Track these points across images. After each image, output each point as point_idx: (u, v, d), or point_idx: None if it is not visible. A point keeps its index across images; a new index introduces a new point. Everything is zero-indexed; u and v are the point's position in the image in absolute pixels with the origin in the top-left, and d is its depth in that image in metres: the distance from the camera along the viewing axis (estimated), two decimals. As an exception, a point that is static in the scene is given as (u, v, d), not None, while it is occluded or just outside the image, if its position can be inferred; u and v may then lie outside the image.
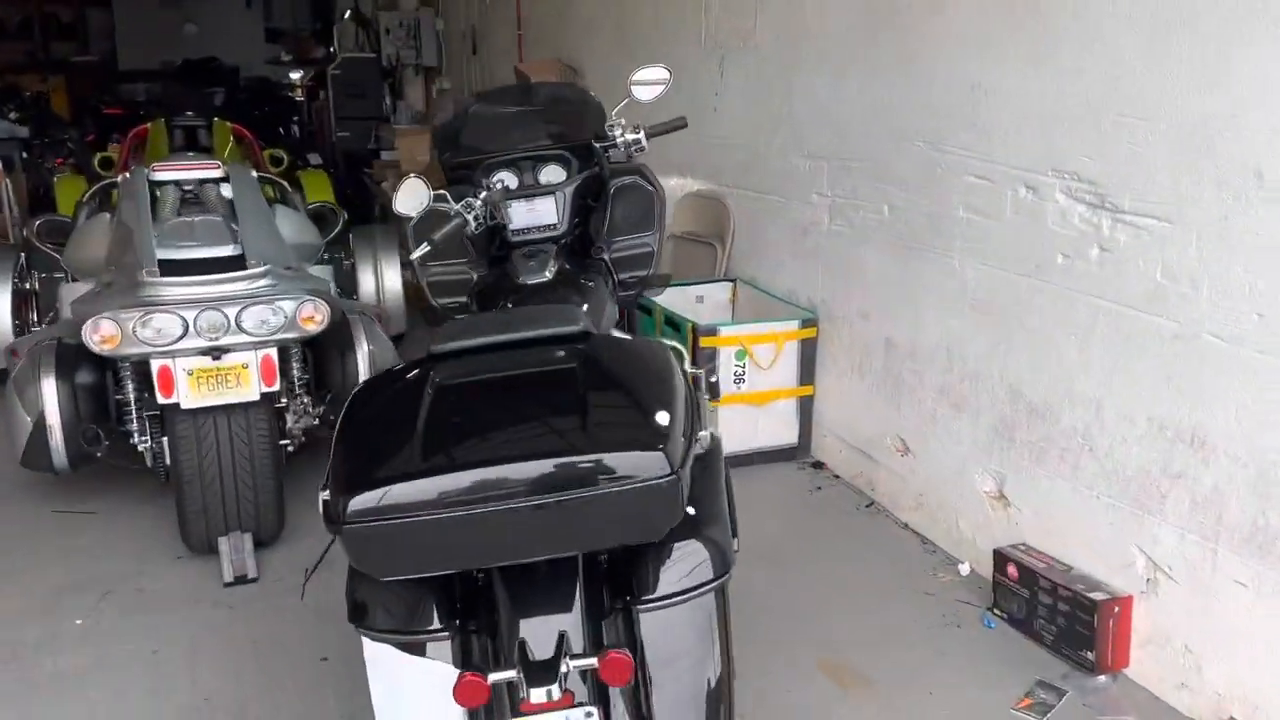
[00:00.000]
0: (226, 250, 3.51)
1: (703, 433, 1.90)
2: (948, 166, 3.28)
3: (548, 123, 3.38)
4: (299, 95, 12.14)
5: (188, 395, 3.01)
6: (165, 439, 3.16)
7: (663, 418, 1.74)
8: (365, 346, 3.68)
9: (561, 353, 1.95)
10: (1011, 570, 2.99)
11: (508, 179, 3.30)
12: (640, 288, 3.31)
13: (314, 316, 3.13)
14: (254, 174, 4.14)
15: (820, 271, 4.05)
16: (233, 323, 2.99)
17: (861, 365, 3.83)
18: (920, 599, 3.19)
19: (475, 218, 3.02)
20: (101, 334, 2.92)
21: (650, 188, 3.29)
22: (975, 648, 2.94)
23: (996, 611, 3.04)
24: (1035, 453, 3.04)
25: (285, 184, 4.48)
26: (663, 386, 1.88)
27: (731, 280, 4.60)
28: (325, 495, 1.74)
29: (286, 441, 3.38)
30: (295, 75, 11.21)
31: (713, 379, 3.43)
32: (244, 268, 3.39)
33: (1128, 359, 2.70)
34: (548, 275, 2.97)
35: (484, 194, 3.05)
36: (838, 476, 4.03)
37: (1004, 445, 3.15)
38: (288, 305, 3.07)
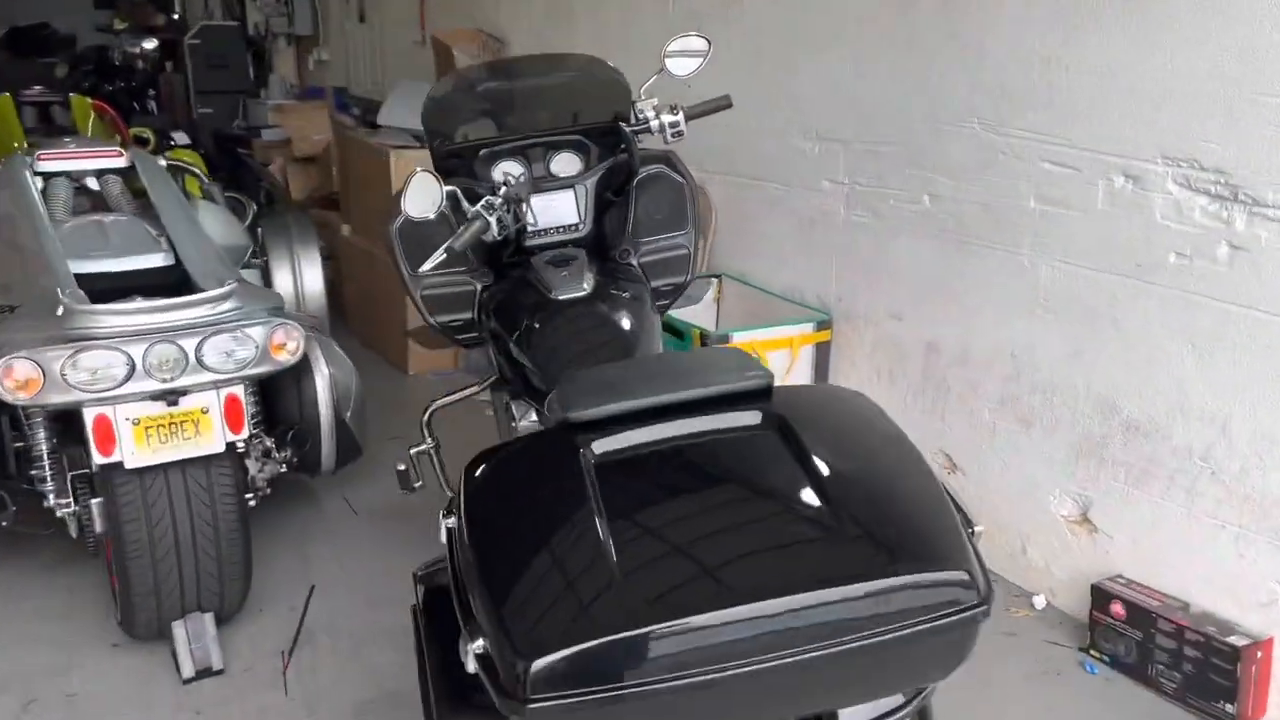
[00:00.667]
0: (155, 259, 2.86)
1: (978, 527, 1.45)
2: (1013, 152, 2.90)
3: (563, 101, 2.85)
4: (145, 66, 10.99)
5: (134, 452, 2.37)
6: (97, 502, 2.51)
7: (944, 516, 1.29)
8: (324, 369, 3.08)
9: (750, 416, 1.46)
10: (1117, 608, 2.65)
11: (514, 170, 2.76)
12: (675, 297, 2.83)
13: (287, 344, 2.53)
14: (162, 161, 3.45)
15: (834, 267, 3.63)
16: (191, 357, 2.36)
17: (892, 371, 3.44)
18: (1002, 641, 2.83)
19: (499, 219, 2.48)
20: (15, 378, 2.25)
21: (679, 178, 2.81)
22: (1085, 700, 2.60)
23: (1096, 654, 2.71)
24: (1134, 474, 2.70)
25: (200, 171, 3.77)
26: (905, 459, 1.42)
27: (715, 276, 4.14)
28: (477, 648, 1.22)
29: (250, 495, 2.76)
30: (149, 45, 10.09)
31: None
32: (184, 282, 2.75)
33: (1266, 371, 2.38)
34: (585, 288, 2.46)
35: (504, 189, 2.51)
36: (859, 493, 3.64)
37: (1090, 465, 2.81)
38: (257, 332, 2.46)
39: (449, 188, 2.41)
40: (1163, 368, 2.60)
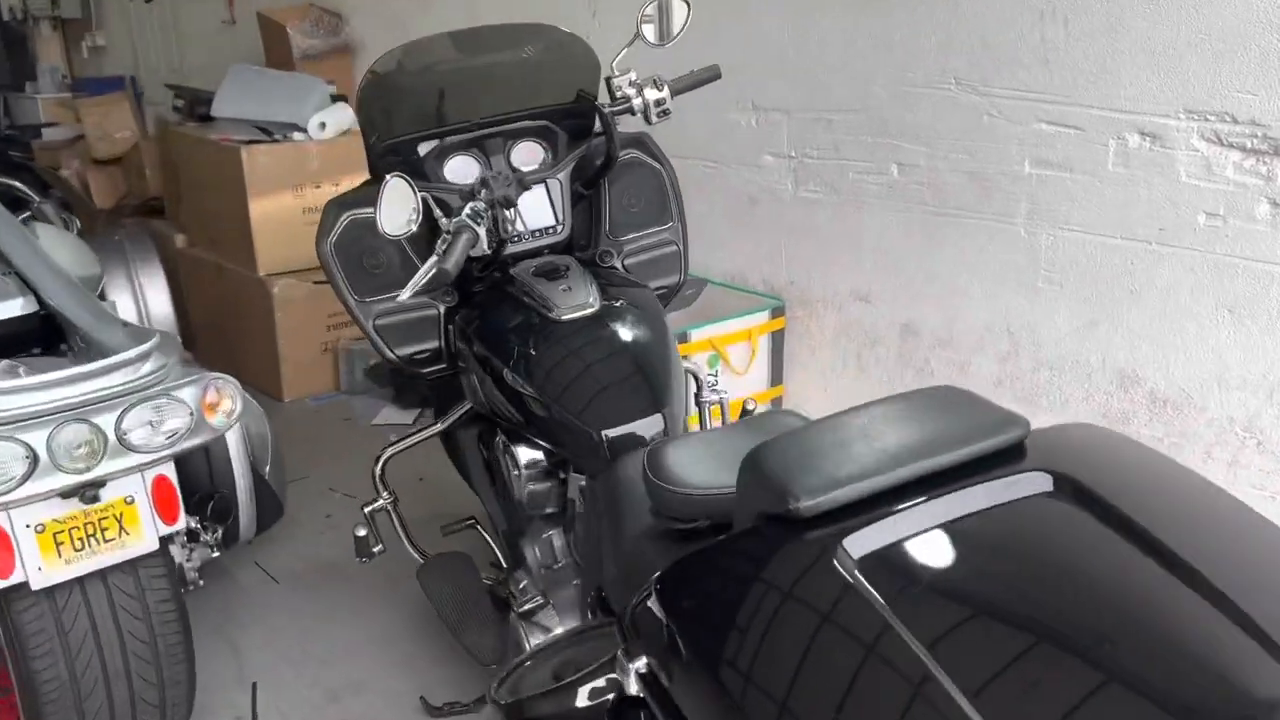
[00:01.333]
0: (12, 307, 2.25)
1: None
2: (1001, 113, 2.68)
3: (523, 80, 2.42)
4: None
5: (41, 568, 1.81)
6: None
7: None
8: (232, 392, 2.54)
9: (1030, 481, 1.12)
10: (1162, 592, 2.50)
11: (468, 166, 2.32)
12: (668, 301, 2.46)
13: (221, 403, 2.01)
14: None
15: (784, 248, 3.35)
16: (111, 437, 1.81)
17: (861, 357, 3.20)
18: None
19: (487, 230, 2.05)
20: None
21: (655, 163, 2.44)
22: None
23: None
24: (1165, 449, 2.55)
25: (22, 187, 3.09)
26: (1244, 515, 1.12)
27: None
28: None
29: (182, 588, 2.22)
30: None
31: (750, 407, 2.65)
32: (49, 333, 2.17)
33: (1317, 334, 2.27)
34: (592, 304, 2.07)
35: (485, 191, 2.08)
36: (827, 488, 3.39)
37: (1110, 442, 2.65)
38: (188, 394, 1.92)
39: (423, 194, 1.97)
40: (1194, 337, 2.45)
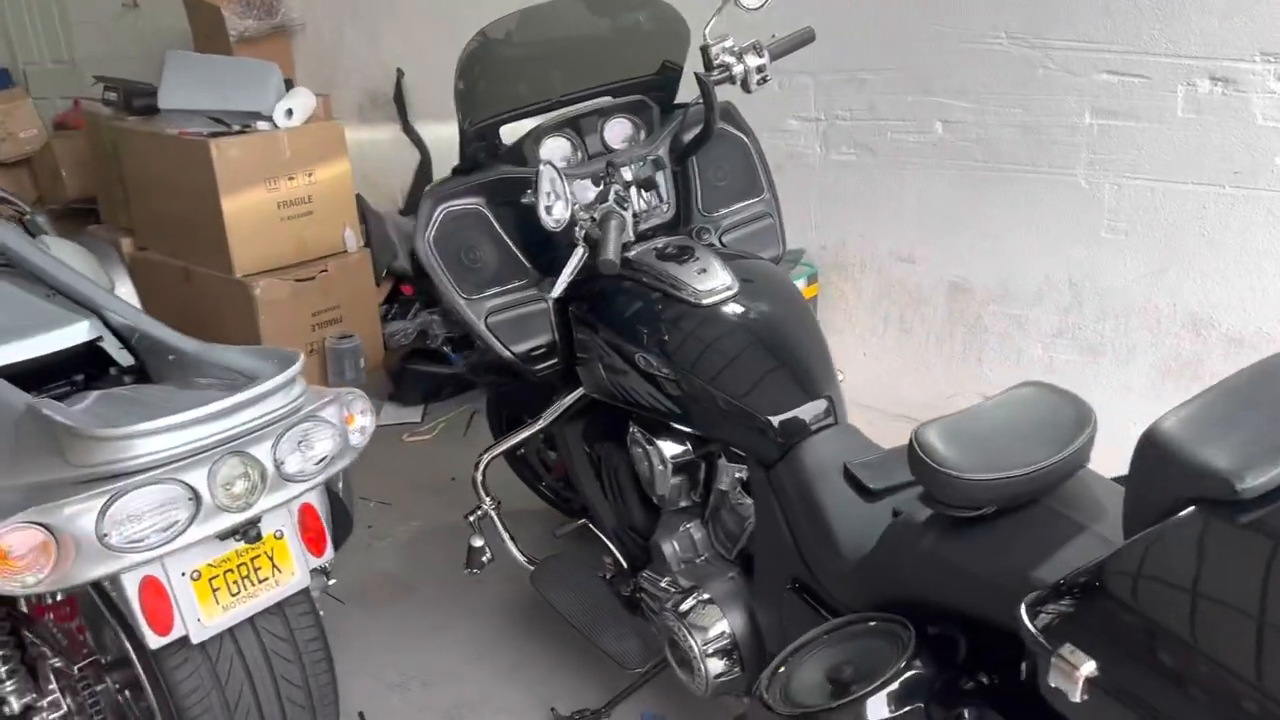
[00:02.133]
0: (78, 332, 2.02)
1: None
2: (1058, 65, 2.68)
3: (614, 54, 2.29)
4: None
5: (200, 619, 1.62)
6: (129, 694, 1.73)
7: None
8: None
9: None
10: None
11: (558, 146, 2.19)
12: (771, 273, 2.37)
13: (359, 419, 1.84)
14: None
15: (814, 213, 3.29)
16: (270, 469, 1.63)
17: (904, 318, 3.18)
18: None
19: (634, 213, 1.94)
20: (16, 555, 1.44)
21: (740, 134, 2.35)
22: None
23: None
24: (1240, 387, 2.62)
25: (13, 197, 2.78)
26: None
27: (646, 240, 3.67)
28: None
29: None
30: None
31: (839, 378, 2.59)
32: (95, 357, 1.97)
33: (1401, 265, 2.35)
34: (733, 286, 1.97)
35: (617, 174, 1.96)
36: (870, 452, 3.38)
37: (1182, 383, 2.70)
38: (332, 413, 1.75)
39: (553, 174, 1.83)
40: (1272, 276, 2.50)
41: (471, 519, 2.28)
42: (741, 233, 2.31)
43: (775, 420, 1.83)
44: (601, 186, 1.95)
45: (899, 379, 3.24)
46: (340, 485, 2.50)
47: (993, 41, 2.77)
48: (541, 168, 1.77)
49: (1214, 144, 2.50)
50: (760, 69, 2.15)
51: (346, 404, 1.79)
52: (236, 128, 3.88)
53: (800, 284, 3.23)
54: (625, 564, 2.27)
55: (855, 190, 3.17)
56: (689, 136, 2.20)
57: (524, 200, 1.94)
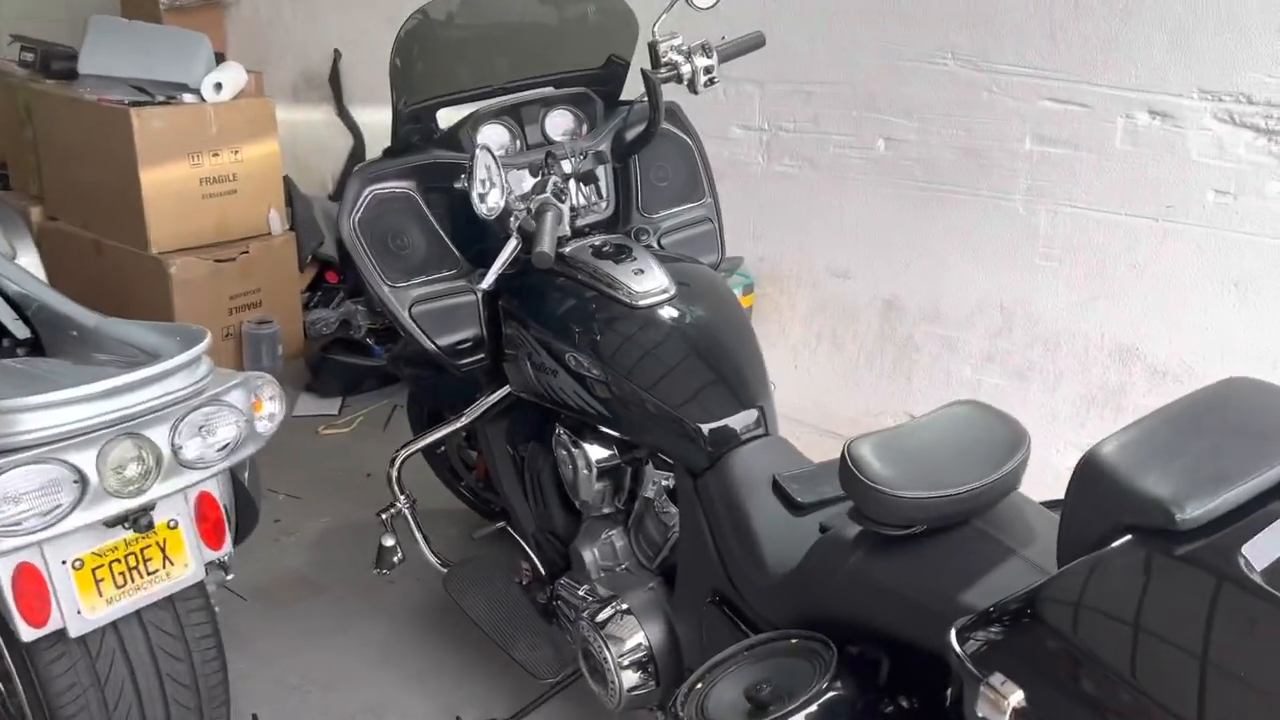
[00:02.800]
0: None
1: None
2: (1002, 89, 2.68)
3: (557, 41, 2.22)
4: None
5: (80, 610, 1.51)
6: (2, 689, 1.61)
7: None
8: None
9: None
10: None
11: (496, 134, 2.13)
12: (708, 278, 2.33)
13: (267, 405, 1.75)
14: None
15: (752, 223, 3.26)
16: (167, 453, 1.53)
17: (837, 334, 3.16)
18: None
19: (572, 207, 1.88)
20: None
21: (685, 136, 2.31)
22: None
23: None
24: (1162, 419, 2.64)
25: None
26: None
27: (581, 240, 3.61)
28: None
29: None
30: None
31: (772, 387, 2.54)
32: (33, 340, 1.84)
33: (1324, 307, 2.38)
34: (668, 286, 1.92)
35: (556, 166, 1.90)
36: (796, 467, 3.35)
37: (1106, 414, 2.72)
38: (238, 397, 1.65)
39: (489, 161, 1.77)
40: (1198, 311, 2.53)
41: (384, 517, 2.19)
42: (680, 236, 2.27)
43: (705, 428, 1.78)
44: (539, 177, 1.88)
45: (828, 394, 3.22)
46: (246, 475, 2.39)
47: (940, 62, 2.77)
48: (478, 153, 1.70)
49: (1149, 177, 2.52)
50: (708, 70, 2.10)
51: (254, 389, 1.70)
52: (161, 98, 3.73)
53: (736, 294, 3.19)
54: (543, 570, 2.20)
55: (795, 203, 3.14)
56: (632, 134, 2.15)
57: (457, 186, 1.87)
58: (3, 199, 4.25)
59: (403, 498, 2.20)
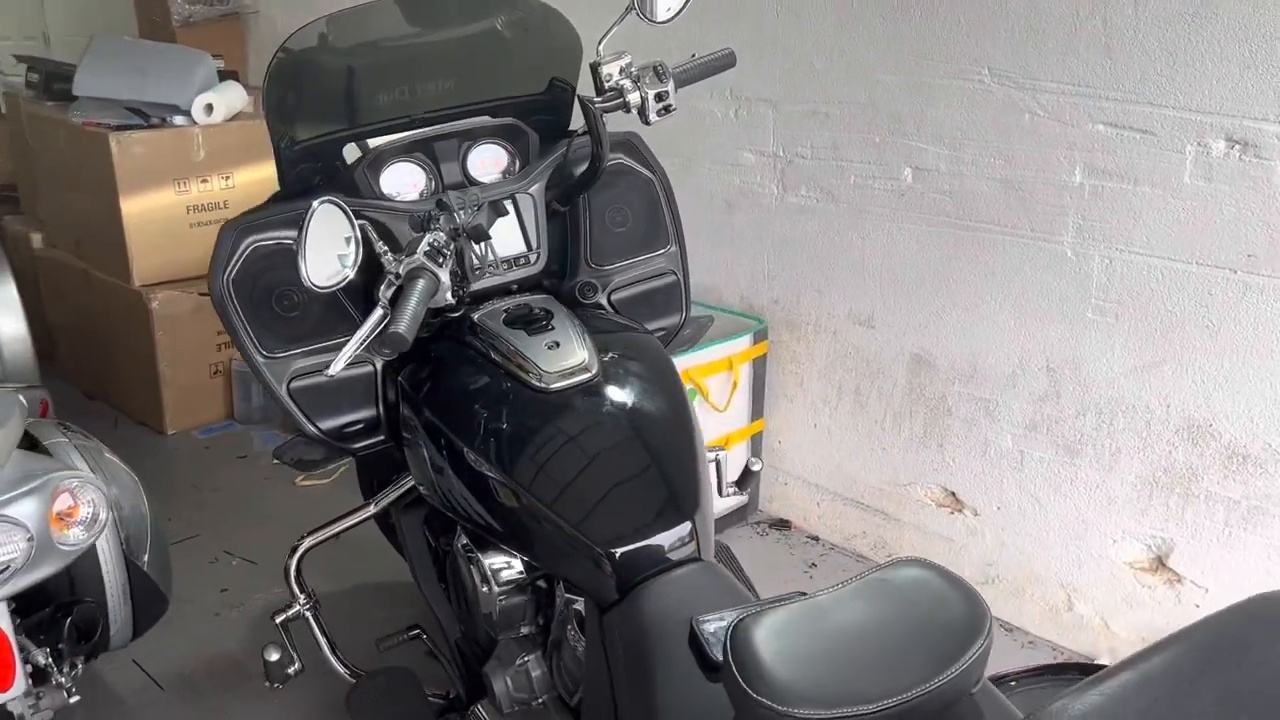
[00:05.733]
0: None
1: None
2: (1048, 111, 2.25)
3: (481, 63, 1.88)
4: None
5: None
6: None
7: None
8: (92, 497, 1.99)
9: None
10: (1243, 683, 2.12)
11: (408, 175, 1.79)
12: (668, 343, 1.97)
13: (77, 512, 1.44)
14: None
15: (766, 261, 2.87)
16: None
17: (860, 390, 2.75)
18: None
19: (451, 271, 1.53)
20: None
21: (645, 171, 1.94)
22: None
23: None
24: (1241, 513, 2.17)
25: None
26: None
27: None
28: None
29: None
30: None
31: (755, 468, 2.17)
32: None
33: None
34: (590, 367, 1.56)
35: (445, 218, 1.55)
36: (816, 538, 2.95)
37: (1172, 501, 2.25)
38: (28, 509, 1.35)
39: (361, 222, 1.45)
40: (1287, 383, 2.06)
41: (278, 620, 1.88)
42: (635, 291, 1.90)
43: (616, 552, 1.42)
44: (420, 233, 1.53)
45: (851, 458, 2.81)
46: (146, 558, 2.12)
47: (974, 78, 2.34)
48: (315, 204, 1.37)
49: (1226, 218, 2.06)
50: (662, 96, 1.73)
51: (56, 495, 1.39)
52: (154, 121, 3.52)
53: (744, 342, 2.81)
54: (462, 690, 1.86)
55: (813, 239, 2.74)
56: (580, 171, 1.79)
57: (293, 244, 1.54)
58: (9, 225, 4.12)
59: (303, 597, 1.89)
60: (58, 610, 1.86)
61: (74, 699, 1.70)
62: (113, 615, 2.03)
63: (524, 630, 1.69)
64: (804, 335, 2.83)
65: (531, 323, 1.62)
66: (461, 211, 1.56)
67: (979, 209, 2.40)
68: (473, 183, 1.80)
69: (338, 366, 1.43)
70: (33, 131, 3.79)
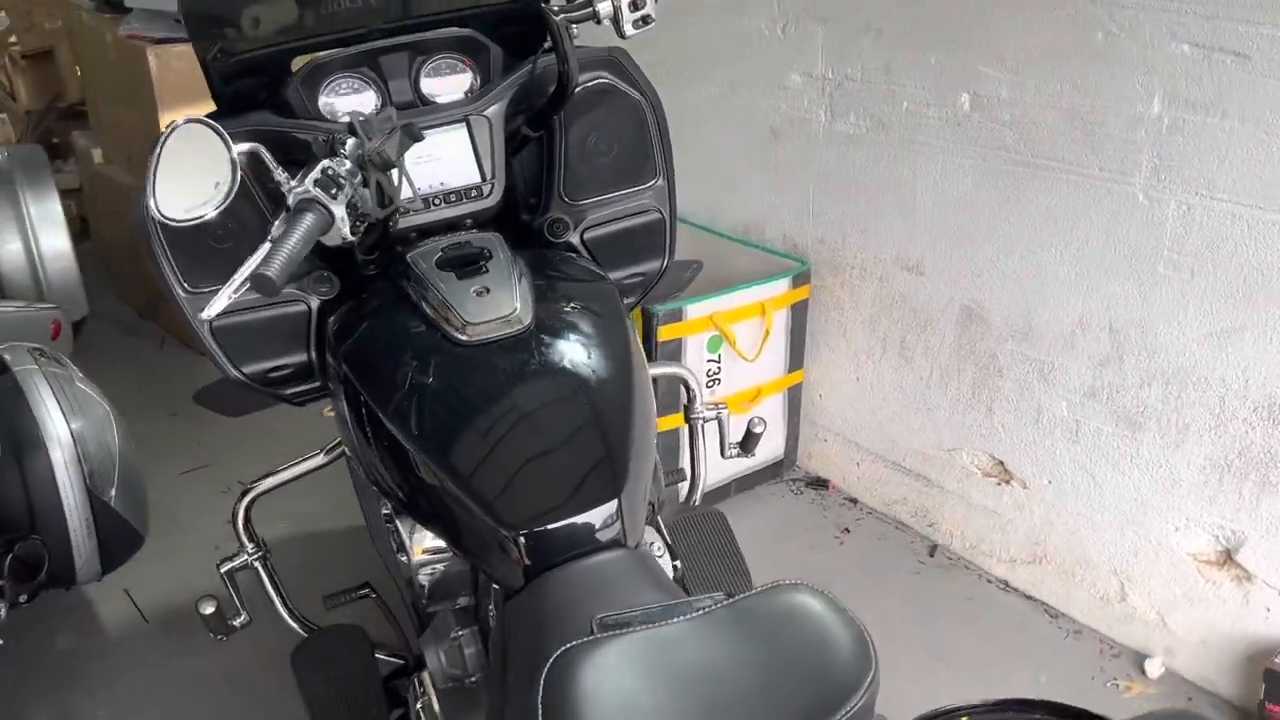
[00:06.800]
0: None
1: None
2: (1125, 27, 1.92)
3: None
4: None
5: None
6: None
7: None
8: (59, 430, 1.91)
9: None
10: (1311, 704, 1.84)
11: (364, 98, 1.61)
12: (645, 291, 1.76)
13: None
14: None
15: (811, 196, 2.61)
16: None
17: (906, 343, 2.49)
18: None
19: (352, 202, 1.34)
20: None
21: (634, 92, 1.70)
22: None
23: (1272, 762, 1.91)
24: (1327, 509, 1.86)
25: None
26: None
27: (628, 206, 3.05)
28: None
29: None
30: None
31: (757, 430, 1.96)
32: None
33: None
34: (522, 318, 1.37)
35: (355, 142, 1.36)
36: (854, 501, 2.72)
37: (1246, 489, 1.95)
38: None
39: (245, 148, 1.28)
40: (1391, 360, 1.73)
41: (224, 570, 1.77)
42: (613, 229, 1.68)
43: (523, 535, 1.24)
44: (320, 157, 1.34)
45: (895, 418, 2.56)
46: (113, 494, 2.04)
47: (1041, -10, 2.02)
48: (177, 122, 1.20)
49: (1330, 161, 1.72)
50: (638, 6, 1.51)
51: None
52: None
53: (780, 285, 2.57)
54: (412, 657, 1.73)
55: (861, 173, 2.47)
56: (550, 92, 1.58)
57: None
58: (76, 139, 4.13)
59: (251, 546, 1.77)
60: (2, 544, 1.80)
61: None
62: (76, 550, 1.97)
63: (461, 602, 1.54)
64: (848, 280, 2.57)
65: (466, 264, 1.44)
66: (375, 137, 1.37)
67: (1041, 143, 2.10)
68: (425, 103, 1.61)
69: (213, 310, 1.27)
70: (86, 44, 3.75)
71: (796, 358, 2.67)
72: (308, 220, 1.23)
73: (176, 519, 2.59)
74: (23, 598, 1.78)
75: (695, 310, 2.42)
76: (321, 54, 1.57)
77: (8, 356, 2.04)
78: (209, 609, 1.71)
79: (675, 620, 0.89)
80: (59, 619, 2.32)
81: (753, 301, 2.51)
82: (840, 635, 0.83)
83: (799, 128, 2.58)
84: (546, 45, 1.63)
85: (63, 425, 1.94)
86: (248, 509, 1.77)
